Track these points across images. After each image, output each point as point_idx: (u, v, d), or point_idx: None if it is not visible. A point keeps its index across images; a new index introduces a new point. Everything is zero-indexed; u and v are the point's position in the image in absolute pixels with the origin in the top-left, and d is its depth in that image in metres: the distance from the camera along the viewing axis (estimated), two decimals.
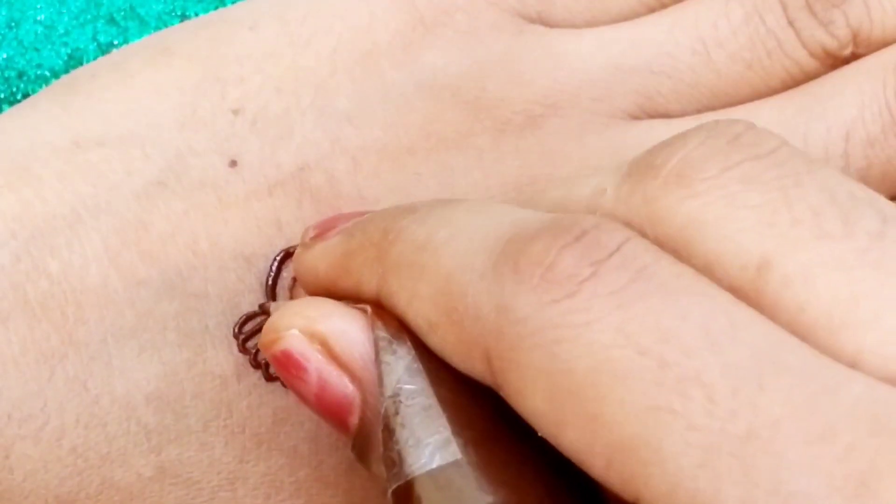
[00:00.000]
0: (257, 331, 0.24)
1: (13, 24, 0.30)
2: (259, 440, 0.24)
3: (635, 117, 0.27)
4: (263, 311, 0.24)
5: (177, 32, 0.28)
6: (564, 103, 0.26)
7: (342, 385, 0.20)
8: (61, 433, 0.23)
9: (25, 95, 0.30)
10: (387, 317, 0.20)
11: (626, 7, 0.28)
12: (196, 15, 0.30)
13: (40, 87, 0.30)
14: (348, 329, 0.20)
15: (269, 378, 0.24)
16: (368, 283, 0.20)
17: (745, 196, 0.18)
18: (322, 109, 0.26)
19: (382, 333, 0.20)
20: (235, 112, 0.26)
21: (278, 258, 0.24)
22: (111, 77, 0.26)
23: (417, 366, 0.19)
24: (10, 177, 0.24)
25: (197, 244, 0.24)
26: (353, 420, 0.20)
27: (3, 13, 0.30)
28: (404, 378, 0.19)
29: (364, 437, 0.20)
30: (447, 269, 0.19)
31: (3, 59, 0.30)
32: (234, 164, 0.25)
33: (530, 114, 0.26)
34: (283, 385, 0.24)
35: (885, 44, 0.27)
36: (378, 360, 0.20)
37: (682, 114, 0.27)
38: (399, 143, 0.26)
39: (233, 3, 0.30)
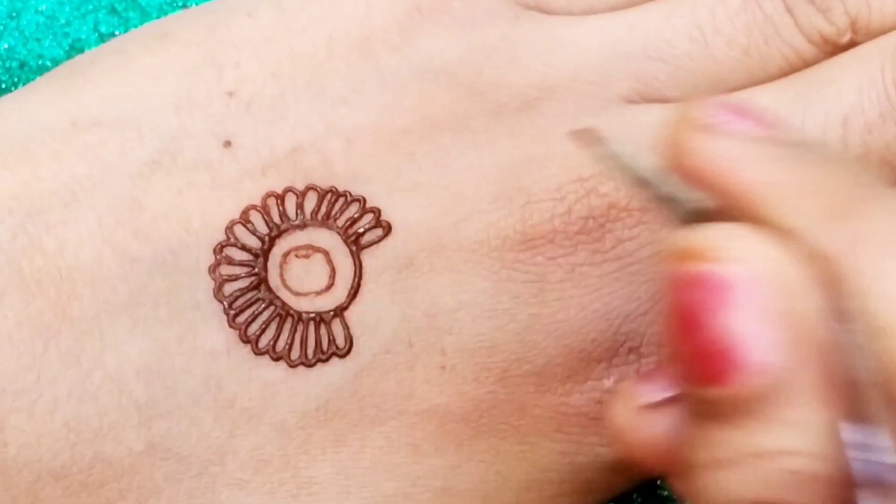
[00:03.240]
0: (248, 305, 0.24)
1: (15, 14, 0.31)
2: (248, 414, 0.24)
3: (632, 102, 0.27)
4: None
5: (176, 19, 0.28)
6: (561, 88, 0.26)
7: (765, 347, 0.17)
8: (54, 407, 0.23)
9: None
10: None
11: None
12: (196, 4, 0.31)
13: None
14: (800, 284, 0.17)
15: (258, 352, 0.24)
16: (807, 233, 0.17)
17: None
18: (317, 93, 0.26)
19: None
20: (230, 94, 0.26)
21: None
22: (110, 62, 0.27)
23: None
24: (7, 156, 0.25)
25: (190, 222, 0.24)
26: (741, 383, 0.17)
27: (5, 3, 0.31)
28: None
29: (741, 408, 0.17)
30: None
31: (5, 49, 0.30)
32: (228, 144, 0.25)
33: (526, 98, 0.26)
34: (272, 358, 0.24)
35: (883, 31, 0.27)
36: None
37: (679, 99, 0.27)
38: (394, 124, 0.26)
39: None
